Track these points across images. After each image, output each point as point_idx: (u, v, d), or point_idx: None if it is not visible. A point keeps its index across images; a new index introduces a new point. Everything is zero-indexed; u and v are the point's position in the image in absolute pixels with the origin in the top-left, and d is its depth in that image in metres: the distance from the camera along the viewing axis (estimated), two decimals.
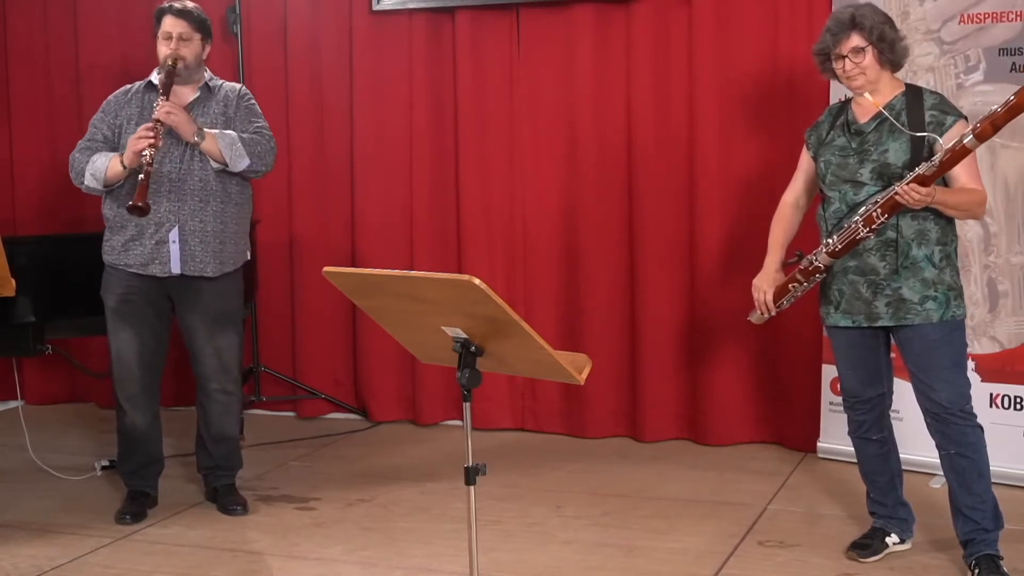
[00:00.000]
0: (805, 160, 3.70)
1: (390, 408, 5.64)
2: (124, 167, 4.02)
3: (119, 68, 5.86)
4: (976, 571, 3.43)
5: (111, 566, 3.82)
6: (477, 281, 2.42)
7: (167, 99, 4.02)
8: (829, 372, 4.74)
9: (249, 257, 4.38)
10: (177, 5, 4.13)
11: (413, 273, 2.68)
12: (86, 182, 4.10)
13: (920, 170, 3.24)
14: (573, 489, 4.56)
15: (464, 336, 2.63)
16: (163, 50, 4.09)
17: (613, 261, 5.20)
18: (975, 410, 3.47)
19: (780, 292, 3.61)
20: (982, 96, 4.30)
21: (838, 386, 4.68)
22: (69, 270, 4.73)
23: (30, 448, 4.79)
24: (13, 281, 3.75)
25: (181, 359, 4.63)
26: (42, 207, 6.04)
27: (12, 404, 5.64)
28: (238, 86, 4.31)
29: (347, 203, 5.62)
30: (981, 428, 3.47)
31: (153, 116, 3.98)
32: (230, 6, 5.60)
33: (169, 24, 4.09)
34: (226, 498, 4.33)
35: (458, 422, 5.44)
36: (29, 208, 6.07)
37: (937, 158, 3.21)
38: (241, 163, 4.11)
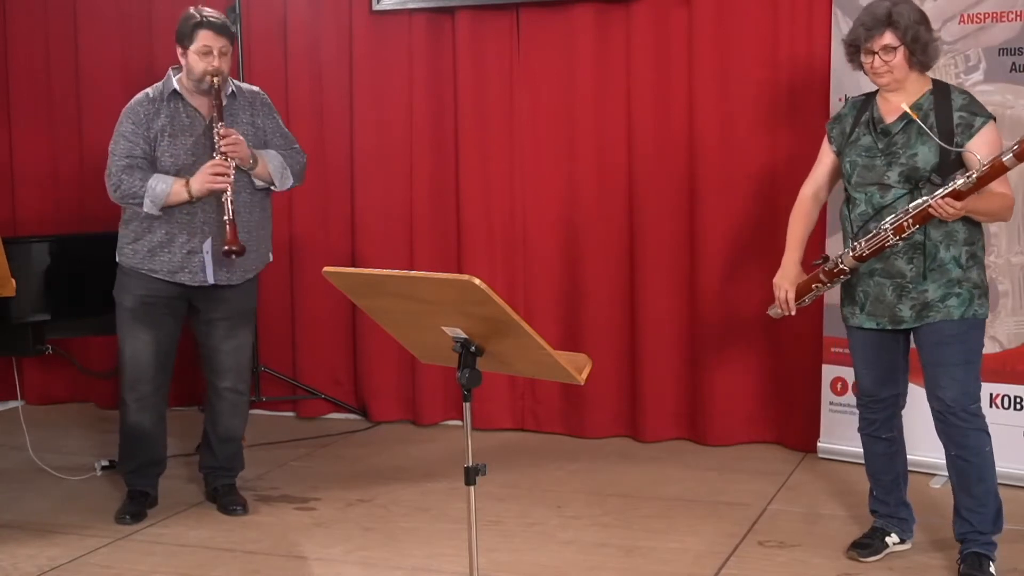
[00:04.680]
0: (825, 152, 3.63)
1: (390, 408, 5.64)
2: (191, 197, 3.99)
3: (119, 69, 5.86)
4: (961, 566, 3.44)
5: (111, 566, 3.82)
6: (477, 281, 2.42)
7: (223, 123, 3.99)
8: (829, 372, 4.74)
9: (272, 259, 4.37)
10: (214, 19, 4.04)
11: (413, 273, 2.68)
12: (145, 208, 4.01)
13: (956, 185, 3.19)
14: (573, 489, 4.56)
15: (464, 336, 2.63)
16: (201, 66, 3.99)
17: (613, 261, 5.20)
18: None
19: (802, 290, 3.58)
20: (982, 96, 4.26)
21: (838, 385, 4.72)
22: (69, 270, 4.74)
23: (30, 448, 4.79)
24: (13, 281, 3.75)
25: (182, 358, 4.63)
26: (42, 207, 6.04)
27: (12, 404, 5.64)
28: (256, 89, 4.30)
29: (347, 203, 5.62)
30: (987, 433, 3.43)
31: (219, 149, 3.96)
32: (230, 6, 5.58)
33: (209, 39, 3.99)
34: (226, 498, 4.33)
35: (458, 422, 5.43)
36: (29, 208, 6.06)
37: (974, 175, 3.16)
38: (287, 184, 4.22)
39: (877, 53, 3.37)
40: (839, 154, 3.55)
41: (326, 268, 2.73)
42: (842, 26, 4.64)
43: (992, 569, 3.41)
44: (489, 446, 5.11)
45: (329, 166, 5.62)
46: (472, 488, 2.71)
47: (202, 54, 4.00)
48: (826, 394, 4.76)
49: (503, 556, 3.78)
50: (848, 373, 4.66)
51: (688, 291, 5.10)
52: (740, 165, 4.96)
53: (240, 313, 4.24)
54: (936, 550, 3.69)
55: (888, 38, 3.35)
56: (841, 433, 4.70)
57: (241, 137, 4.04)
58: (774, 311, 3.68)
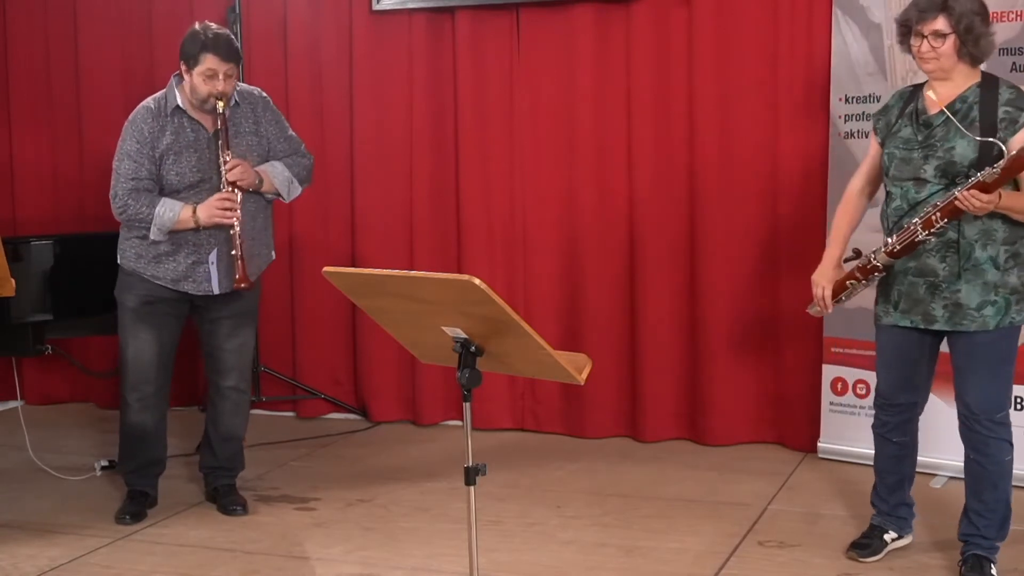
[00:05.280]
0: (873, 146, 3.52)
1: (390, 408, 5.64)
2: (198, 226, 3.99)
3: (119, 69, 5.86)
4: (962, 567, 3.43)
5: (111, 566, 3.82)
6: (477, 281, 2.42)
7: (229, 151, 3.97)
8: (829, 372, 4.74)
9: (274, 257, 4.37)
10: (220, 43, 3.96)
11: (413, 273, 2.68)
12: (152, 235, 4.01)
13: (981, 176, 3.11)
14: (573, 489, 4.56)
15: (464, 336, 2.63)
16: (205, 88, 3.95)
17: (613, 261, 5.20)
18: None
19: (838, 288, 3.51)
20: None
21: (838, 385, 4.72)
22: (70, 270, 4.73)
23: (30, 448, 4.79)
24: (13, 281, 3.75)
25: (182, 359, 4.63)
26: (42, 207, 6.04)
27: (12, 404, 5.64)
28: (256, 91, 4.26)
29: (347, 203, 5.62)
30: (1009, 443, 3.37)
31: (226, 178, 3.95)
32: (230, 6, 5.59)
33: (215, 63, 3.93)
34: (226, 498, 4.33)
35: (458, 422, 5.43)
36: (29, 208, 6.06)
37: (1000, 164, 3.08)
38: (296, 194, 4.24)
39: (927, 37, 3.24)
40: (883, 146, 3.45)
41: (326, 268, 2.73)
42: (842, 26, 4.65)
43: (993, 571, 3.40)
44: (489, 446, 5.11)
45: (329, 166, 5.61)
46: (472, 488, 2.71)
47: (207, 77, 3.95)
48: (826, 394, 4.76)
49: (503, 556, 3.78)
50: (848, 373, 4.67)
51: (688, 291, 5.09)
52: (740, 165, 4.96)
53: (243, 312, 4.24)
54: (937, 550, 3.69)
55: (940, 23, 3.23)
56: (841, 433, 4.71)
57: (247, 164, 4.04)
58: (813, 309, 3.63)
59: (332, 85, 5.59)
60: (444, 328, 2.64)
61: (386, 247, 5.53)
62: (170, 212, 3.99)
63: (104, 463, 4.77)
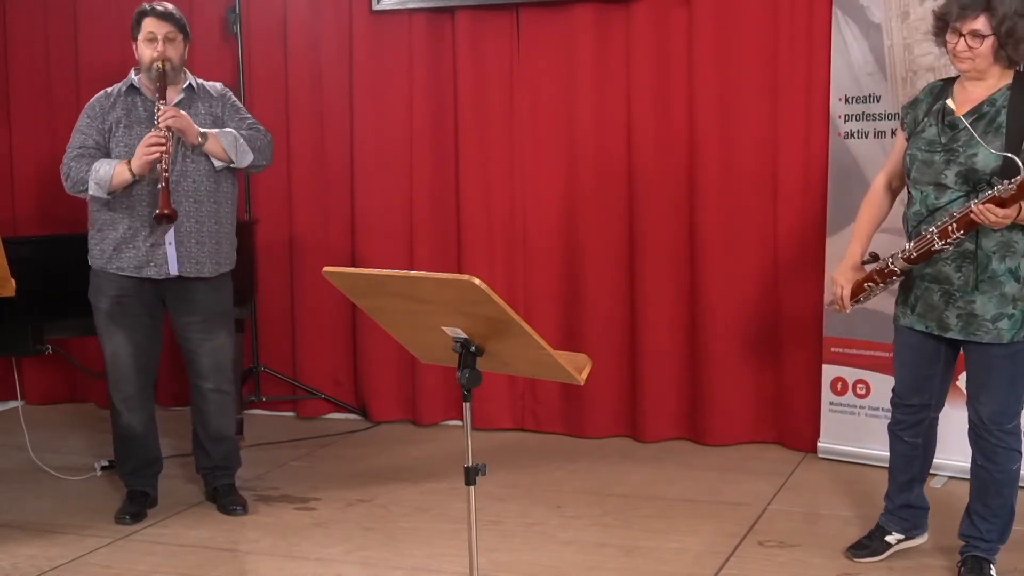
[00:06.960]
0: (900, 140, 3.44)
1: (390, 408, 5.64)
2: (133, 175, 4.00)
3: (118, 69, 5.85)
4: (961, 568, 3.43)
5: (111, 566, 3.82)
6: (477, 281, 2.42)
7: (165, 102, 4.02)
8: (829, 372, 4.74)
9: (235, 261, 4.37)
10: (158, 7, 4.12)
11: (413, 273, 2.68)
12: (90, 191, 4.06)
13: (997, 191, 3.04)
14: (573, 489, 4.56)
15: (464, 336, 2.63)
16: (148, 52, 4.08)
17: (613, 261, 5.20)
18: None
19: (857, 289, 3.46)
20: None
21: (838, 385, 4.72)
22: (70, 271, 4.72)
23: (30, 448, 4.79)
24: (13, 281, 3.75)
25: (178, 358, 4.62)
26: (42, 207, 6.04)
27: (12, 404, 5.64)
28: (218, 84, 4.32)
29: (347, 203, 5.62)
30: (1018, 452, 3.36)
31: (158, 122, 3.97)
32: (230, 6, 5.59)
33: (153, 25, 4.08)
34: (226, 498, 4.33)
35: (458, 422, 5.43)
36: (29, 208, 6.06)
37: (1017, 179, 3.01)
38: (246, 159, 4.16)
39: (964, 36, 3.13)
40: (908, 143, 3.37)
41: (326, 268, 2.73)
42: (842, 26, 4.65)
43: (992, 572, 3.40)
44: (489, 446, 5.11)
45: (329, 166, 5.62)
46: (472, 488, 2.71)
47: (147, 41, 4.07)
48: (826, 394, 4.76)
49: (503, 556, 3.78)
50: (848, 373, 4.67)
51: (688, 291, 5.09)
52: (740, 165, 4.96)
53: (213, 314, 4.23)
54: (937, 550, 3.68)
55: (980, 23, 3.11)
56: (841, 433, 4.70)
57: (182, 112, 4.05)
58: (832, 307, 3.59)
59: (332, 85, 5.59)
60: (444, 328, 2.64)
61: (386, 247, 5.53)
62: (107, 166, 4.04)
63: (104, 463, 4.77)
